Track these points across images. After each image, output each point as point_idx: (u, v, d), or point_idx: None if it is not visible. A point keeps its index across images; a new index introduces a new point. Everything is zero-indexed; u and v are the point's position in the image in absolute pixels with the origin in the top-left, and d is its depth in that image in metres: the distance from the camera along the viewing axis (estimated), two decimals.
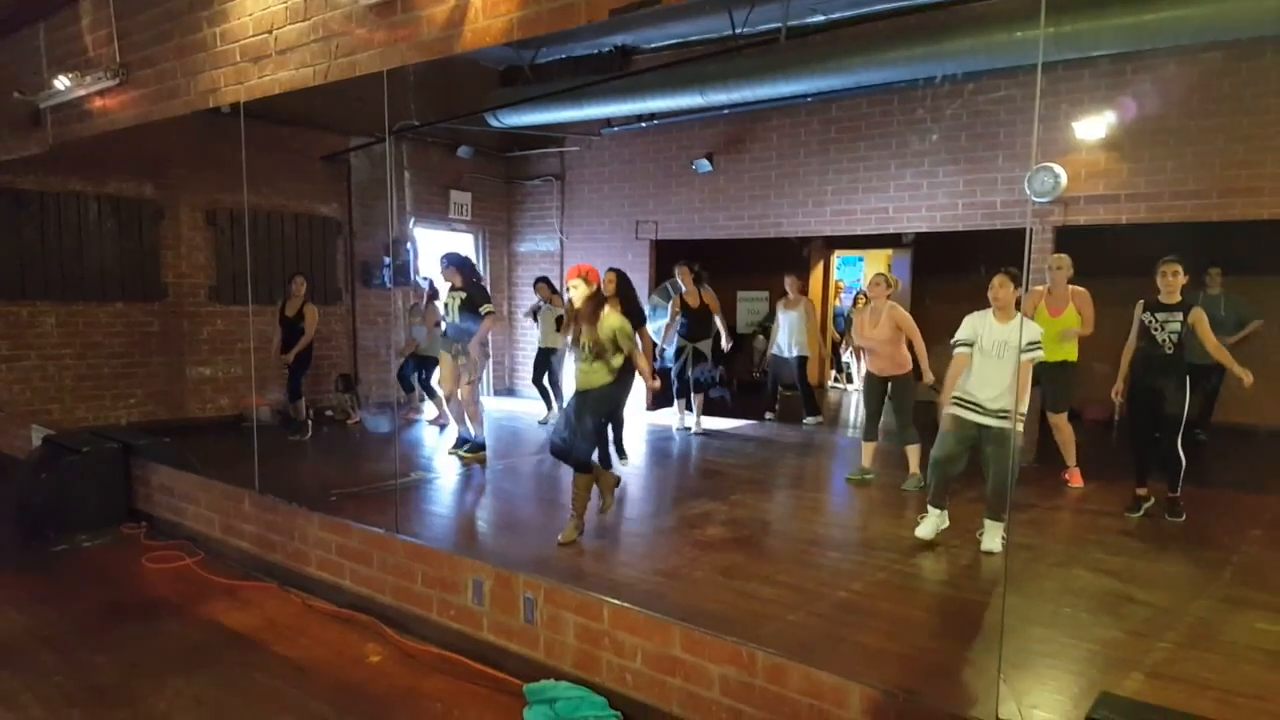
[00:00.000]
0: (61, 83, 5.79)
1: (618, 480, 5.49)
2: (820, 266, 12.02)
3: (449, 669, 3.79)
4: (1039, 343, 4.73)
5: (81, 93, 5.75)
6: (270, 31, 4.37)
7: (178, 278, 8.49)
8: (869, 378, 6.36)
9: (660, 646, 3.23)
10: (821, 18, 7.08)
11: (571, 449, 4.94)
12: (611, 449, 6.37)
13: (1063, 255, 6.28)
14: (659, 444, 8.10)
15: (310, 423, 8.22)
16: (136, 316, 8.28)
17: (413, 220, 9.90)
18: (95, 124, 5.89)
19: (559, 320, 8.18)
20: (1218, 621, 3.87)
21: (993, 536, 4.75)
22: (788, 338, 8.90)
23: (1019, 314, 4.75)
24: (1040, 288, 6.31)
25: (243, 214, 8.46)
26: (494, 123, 9.70)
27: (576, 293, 4.78)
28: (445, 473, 6.75)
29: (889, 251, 11.46)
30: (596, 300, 4.81)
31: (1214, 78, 6.46)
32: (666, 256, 9.53)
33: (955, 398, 4.85)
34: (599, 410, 5.02)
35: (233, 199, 8.63)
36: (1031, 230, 7.06)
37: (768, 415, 9.38)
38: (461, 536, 5.28)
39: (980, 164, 7.48)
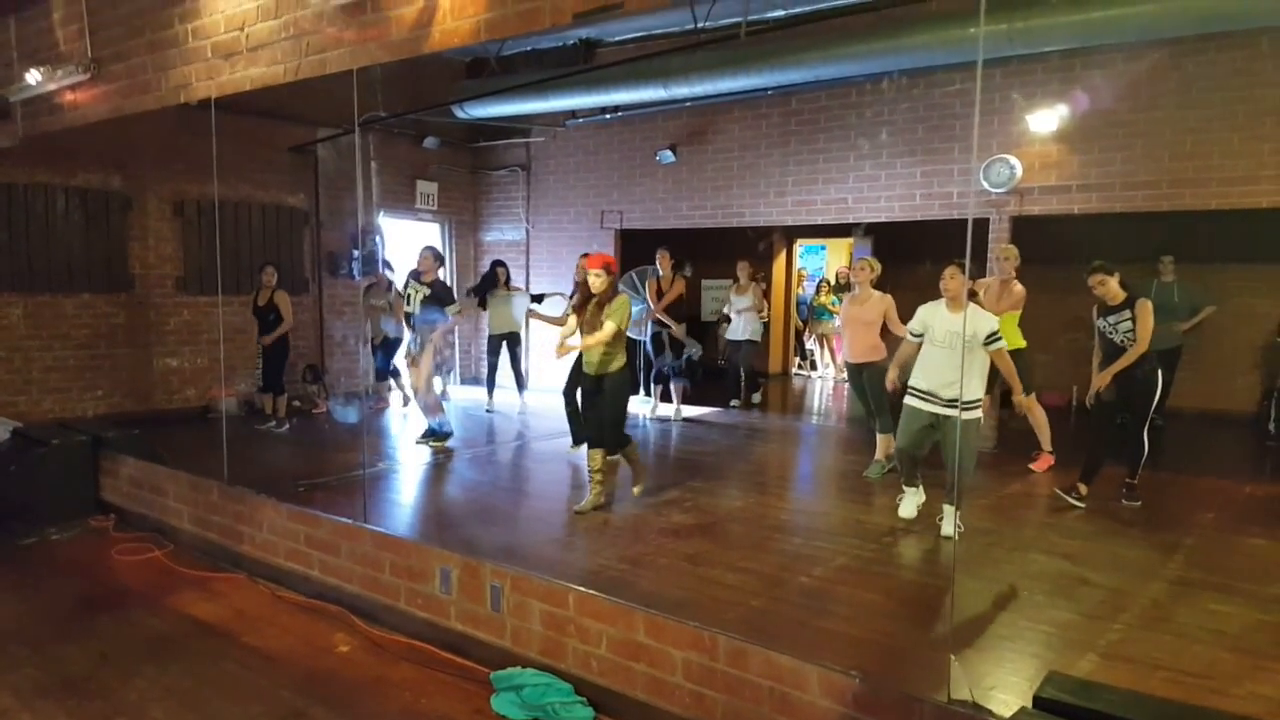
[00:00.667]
0: (33, 76, 5.74)
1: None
2: (783, 255, 12.17)
3: (417, 658, 3.88)
4: (998, 334, 4.86)
5: (52, 87, 5.71)
6: (242, 29, 4.40)
7: (144, 269, 8.44)
8: (849, 368, 6.54)
9: (624, 632, 3.34)
10: (781, 12, 7.17)
11: (605, 437, 5.41)
12: None
13: (1010, 246, 6.47)
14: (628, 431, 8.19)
15: (291, 418, 8.23)
16: (103, 308, 8.23)
17: (380, 211, 9.89)
18: (66, 118, 5.86)
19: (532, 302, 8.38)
20: (1170, 603, 4.01)
21: (949, 522, 4.93)
22: (741, 323, 9.09)
23: (969, 304, 4.89)
24: (993, 278, 6.47)
25: (210, 205, 8.43)
26: (460, 114, 9.73)
27: (599, 281, 5.19)
28: (413, 462, 6.81)
29: (850, 240, 11.63)
30: (614, 289, 5.27)
31: (1161, 73, 6.67)
32: (631, 246, 9.63)
33: (911, 388, 5.00)
34: (623, 393, 5.41)
35: (200, 190, 8.58)
36: (974, 221, 7.24)
37: (733, 403, 9.53)
38: (429, 525, 5.35)
39: (937, 155, 7.65)
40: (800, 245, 12.77)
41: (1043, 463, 6.40)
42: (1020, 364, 6.25)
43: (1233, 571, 4.41)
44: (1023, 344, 6.37)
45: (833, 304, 10.94)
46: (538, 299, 8.34)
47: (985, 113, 7.34)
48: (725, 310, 9.58)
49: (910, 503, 5.17)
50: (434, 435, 7.09)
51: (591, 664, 3.45)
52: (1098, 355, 5.59)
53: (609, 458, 5.54)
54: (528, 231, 10.68)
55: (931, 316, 4.98)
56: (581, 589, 3.50)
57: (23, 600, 4.60)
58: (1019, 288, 6.32)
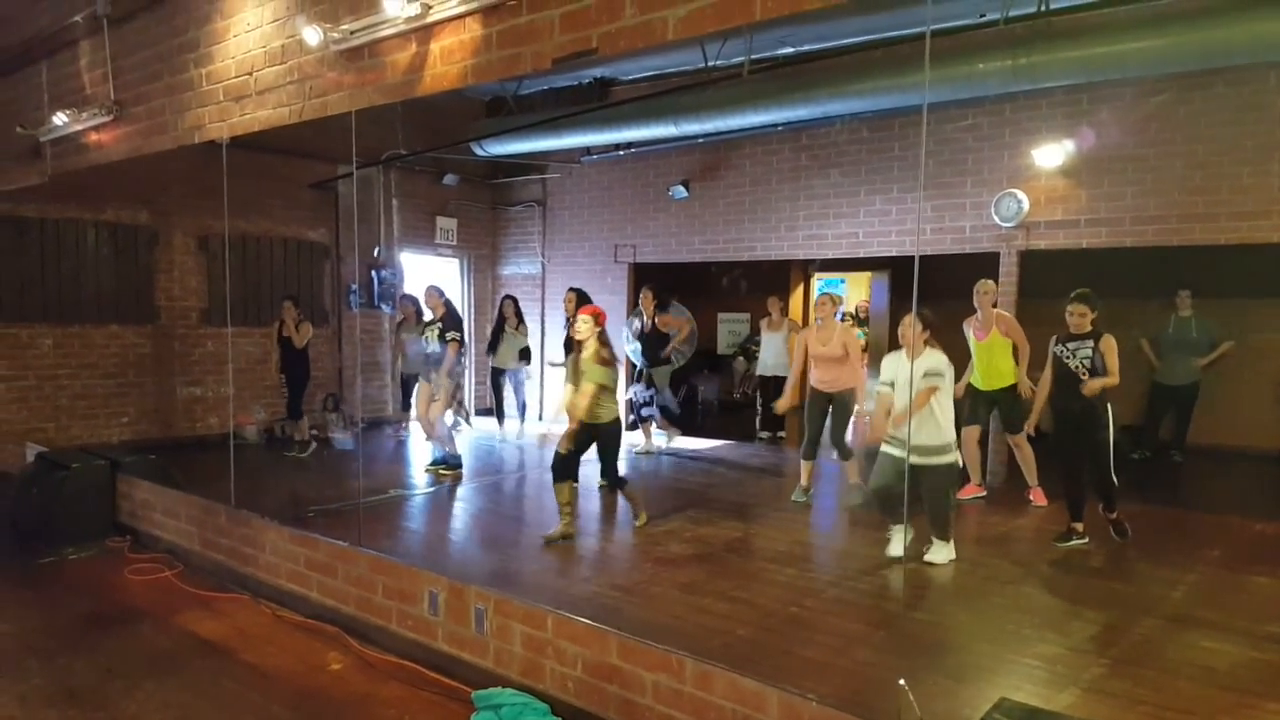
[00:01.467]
0: (60, 118, 6.09)
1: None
2: (800, 288, 12.22)
3: (405, 677, 3.97)
4: (938, 372, 4.89)
5: (78, 127, 6.04)
6: (251, 73, 4.63)
7: (170, 301, 8.74)
8: (814, 394, 6.55)
9: (599, 654, 3.40)
10: (789, 50, 7.32)
11: (613, 480, 5.79)
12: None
13: (988, 280, 6.54)
14: (630, 462, 8.26)
15: (313, 441, 8.42)
16: (130, 338, 8.52)
17: (385, 248, 10.17)
18: (90, 157, 6.17)
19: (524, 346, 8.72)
20: (1161, 639, 3.97)
21: (937, 551, 4.92)
22: (773, 358, 9.11)
23: (926, 349, 4.93)
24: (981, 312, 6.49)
25: (236, 239, 8.73)
26: (479, 151, 10.02)
27: (584, 328, 5.39)
28: (425, 490, 6.94)
29: (869, 274, 11.66)
30: (602, 343, 5.43)
31: (1169, 108, 6.68)
32: (644, 280, 9.75)
33: (888, 434, 5.04)
34: (616, 441, 5.69)
35: (226, 225, 8.88)
36: (982, 255, 7.28)
37: (762, 434, 9.59)
38: (426, 550, 5.47)
39: (949, 190, 7.69)
40: (819, 279, 12.81)
41: (1040, 495, 6.40)
42: (1007, 400, 6.38)
43: (1231, 609, 4.35)
44: (1012, 379, 6.41)
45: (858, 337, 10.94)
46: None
47: (994, 147, 7.39)
48: (751, 346, 9.68)
49: (898, 541, 5.13)
50: (443, 464, 7.23)
51: (568, 685, 3.50)
52: (1046, 382, 5.61)
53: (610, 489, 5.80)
54: (543, 265, 10.87)
55: (895, 365, 5.05)
56: (559, 612, 3.57)
57: (38, 615, 4.76)
58: (1008, 316, 6.46)
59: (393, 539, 5.49)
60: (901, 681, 2.76)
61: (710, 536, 5.63)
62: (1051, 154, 7.03)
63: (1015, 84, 6.55)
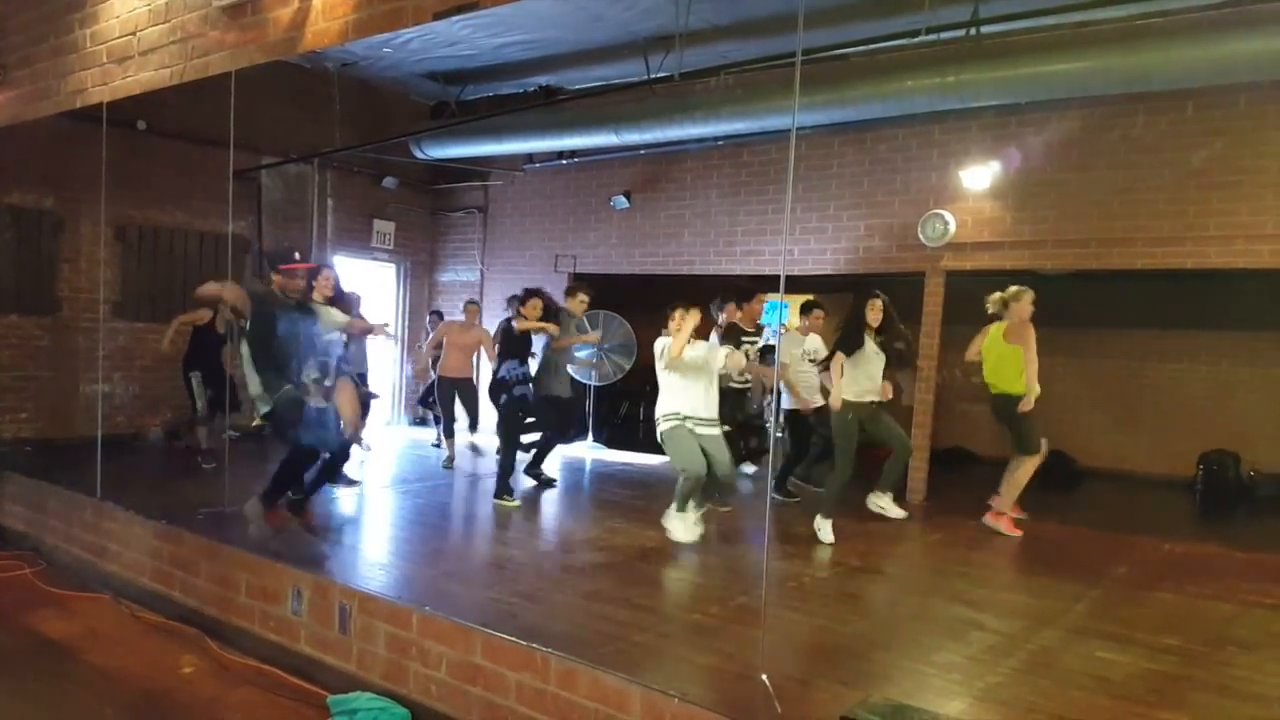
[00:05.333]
0: None
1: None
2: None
3: (262, 681, 3.70)
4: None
5: None
6: (134, 33, 4.41)
7: (74, 292, 8.33)
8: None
9: (463, 654, 3.19)
10: (726, 62, 7.29)
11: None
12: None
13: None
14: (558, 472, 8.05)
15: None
16: (30, 330, 8.09)
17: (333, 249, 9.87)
18: None
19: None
20: (1059, 649, 3.92)
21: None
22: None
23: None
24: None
25: (153, 230, 8.37)
26: (418, 154, 9.83)
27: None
28: (351, 495, 6.62)
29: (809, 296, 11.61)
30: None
31: (1093, 133, 6.73)
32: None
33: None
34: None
35: (143, 215, 8.54)
36: (903, 276, 7.25)
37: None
38: (316, 552, 5.12)
39: (878, 209, 7.67)
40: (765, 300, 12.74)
41: (995, 517, 5.94)
42: (1008, 410, 5.98)
43: (1131, 622, 4.31)
44: (1021, 390, 5.93)
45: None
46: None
47: (922, 168, 7.40)
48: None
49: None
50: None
51: (431, 688, 3.27)
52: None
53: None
54: (482, 273, 10.67)
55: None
56: (425, 610, 3.35)
57: None
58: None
59: (282, 540, 5.16)
60: (764, 677, 2.59)
61: (624, 545, 5.47)
62: (979, 176, 7.05)
63: (944, 102, 6.58)
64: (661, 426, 5.33)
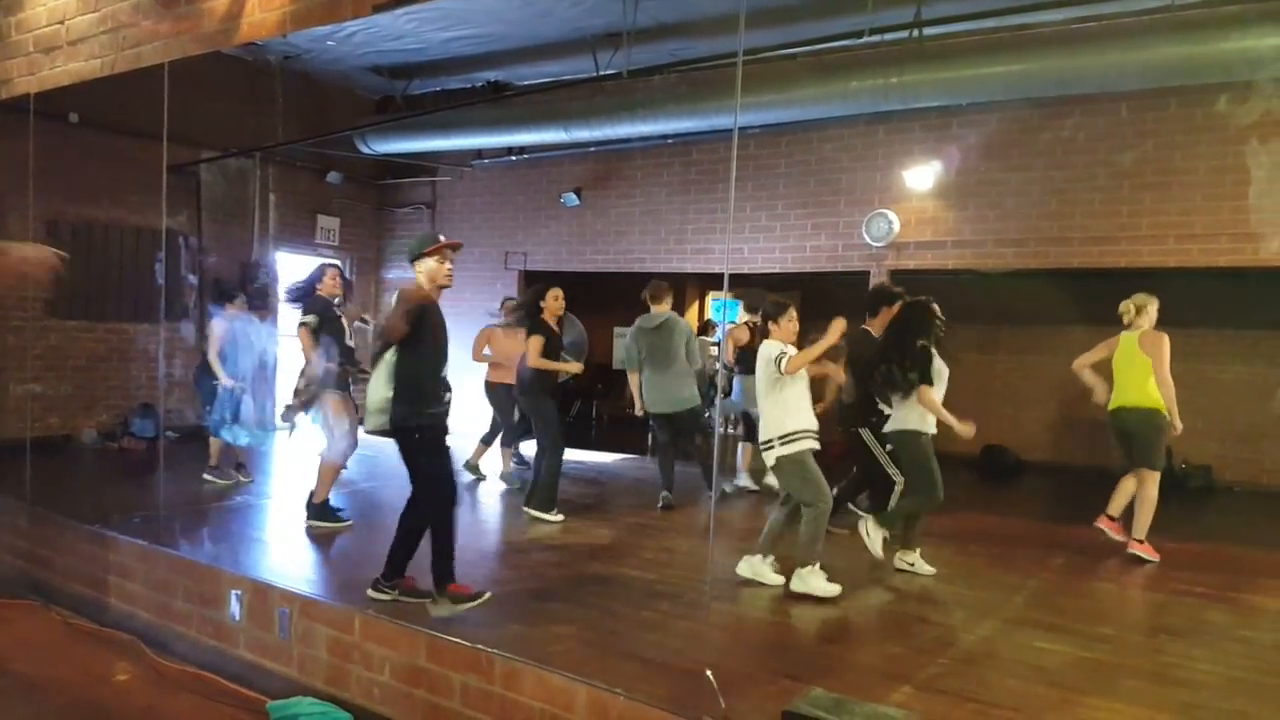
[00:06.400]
0: None
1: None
2: (695, 306, 12.25)
3: (199, 688, 3.61)
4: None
5: None
6: (63, 22, 4.28)
7: (3, 289, 8.02)
8: None
9: (407, 657, 3.15)
10: (674, 60, 7.32)
11: None
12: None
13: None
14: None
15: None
16: None
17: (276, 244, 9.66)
18: None
19: None
20: (998, 640, 3.99)
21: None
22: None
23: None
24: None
25: (86, 226, 8.09)
26: (364, 149, 9.70)
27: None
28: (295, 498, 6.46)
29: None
30: None
31: (1031, 135, 6.91)
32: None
33: None
34: None
35: (76, 211, 8.26)
36: (852, 274, 7.35)
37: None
38: (257, 558, 5.01)
39: (825, 209, 7.77)
40: (712, 298, 12.85)
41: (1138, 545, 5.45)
42: (1139, 424, 5.43)
43: (1067, 612, 4.41)
44: (1155, 403, 5.37)
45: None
46: None
47: (866, 168, 7.51)
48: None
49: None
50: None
51: (374, 692, 3.23)
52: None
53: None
54: None
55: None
56: (367, 613, 3.30)
57: None
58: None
59: (222, 544, 5.04)
60: (709, 673, 2.61)
61: (575, 544, 5.43)
62: (922, 176, 7.18)
63: (887, 103, 6.68)
64: (787, 450, 4.38)
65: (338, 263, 6.52)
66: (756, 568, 4.53)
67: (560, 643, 3.65)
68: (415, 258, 3.88)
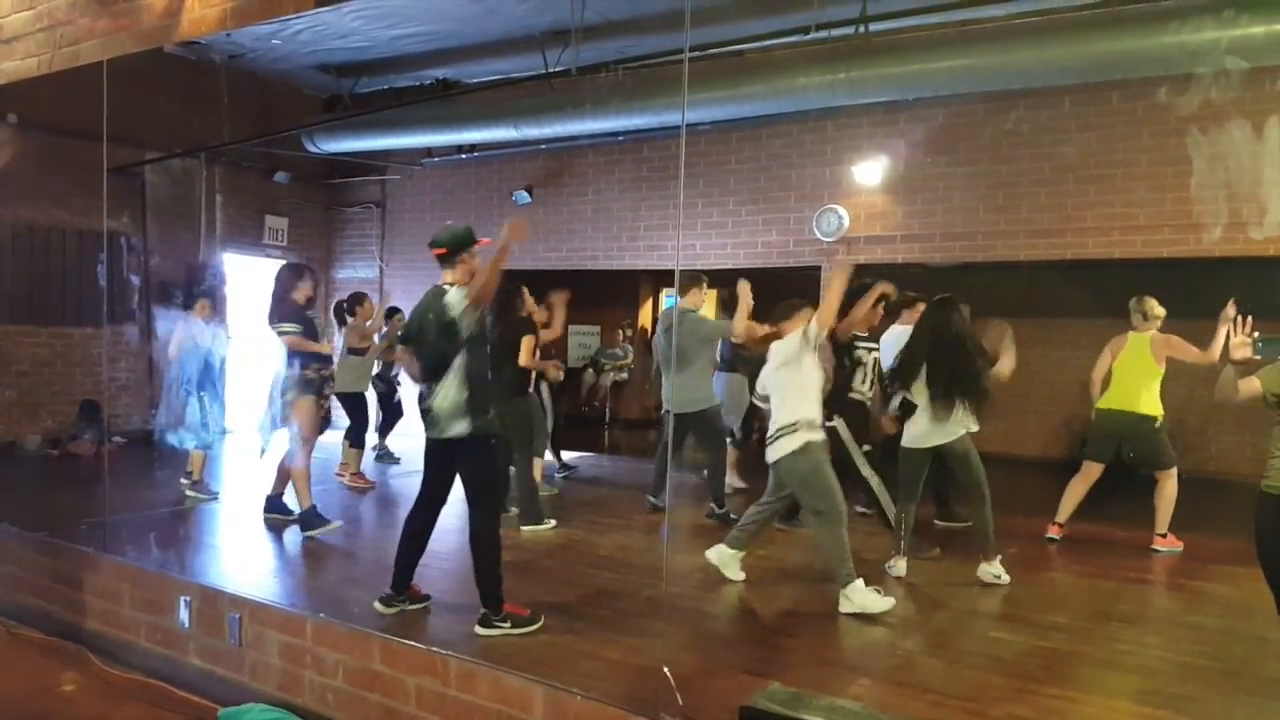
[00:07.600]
0: None
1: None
2: (649, 302, 12.28)
3: (149, 697, 3.55)
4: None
5: None
6: None
7: None
8: None
9: (360, 660, 3.13)
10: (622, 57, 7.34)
11: None
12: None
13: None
14: None
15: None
16: None
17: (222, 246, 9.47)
18: None
19: None
20: (955, 631, 4.08)
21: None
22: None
23: None
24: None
25: (26, 229, 7.87)
26: (312, 148, 9.57)
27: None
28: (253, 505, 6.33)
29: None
30: None
31: (977, 129, 7.03)
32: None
33: None
34: None
35: (14, 214, 8.02)
36: (801, 269, 7.41)
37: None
38: (208, 563, 4.94)
39: (776, 204, 7.84)
40: (666, 294, 12.89)
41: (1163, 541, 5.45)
42: (1141, 433, 5.39)
43: (1021, 602, 4.50)
44: (1158, 411, 5.34)
45: None
46: None
47: (816, 164, 7.59)
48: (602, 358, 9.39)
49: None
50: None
51: (328, 697, 3.20)
52: None
53: None
54: (382, 269, 10.44)
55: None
56: (319, 617, 3.27)
57: None
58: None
59: (170, 550, 4.94)
60: (665, 669, 2.63)
61: (532, 544, 5.41)
62: (870, 171, 7.27)
63: (835, 99, 6.76)
64: (784, 446, 4.10)
65: (311, 266, 6.42)
66: (724, 558, 4.53)
67: (513, 643, 3.65)
68: (462, 249, 3.90)
